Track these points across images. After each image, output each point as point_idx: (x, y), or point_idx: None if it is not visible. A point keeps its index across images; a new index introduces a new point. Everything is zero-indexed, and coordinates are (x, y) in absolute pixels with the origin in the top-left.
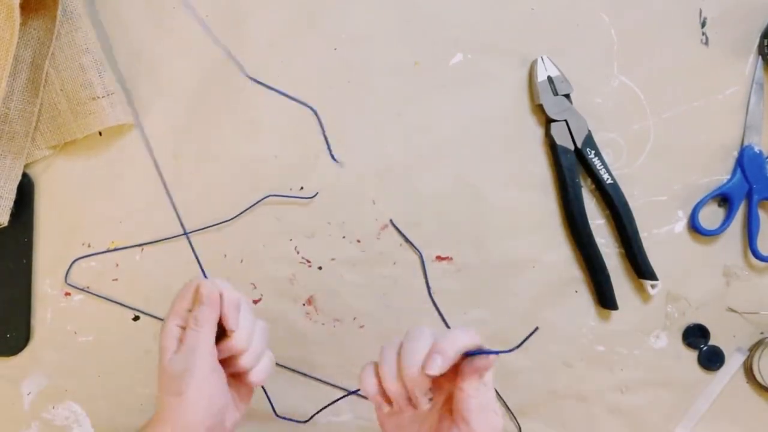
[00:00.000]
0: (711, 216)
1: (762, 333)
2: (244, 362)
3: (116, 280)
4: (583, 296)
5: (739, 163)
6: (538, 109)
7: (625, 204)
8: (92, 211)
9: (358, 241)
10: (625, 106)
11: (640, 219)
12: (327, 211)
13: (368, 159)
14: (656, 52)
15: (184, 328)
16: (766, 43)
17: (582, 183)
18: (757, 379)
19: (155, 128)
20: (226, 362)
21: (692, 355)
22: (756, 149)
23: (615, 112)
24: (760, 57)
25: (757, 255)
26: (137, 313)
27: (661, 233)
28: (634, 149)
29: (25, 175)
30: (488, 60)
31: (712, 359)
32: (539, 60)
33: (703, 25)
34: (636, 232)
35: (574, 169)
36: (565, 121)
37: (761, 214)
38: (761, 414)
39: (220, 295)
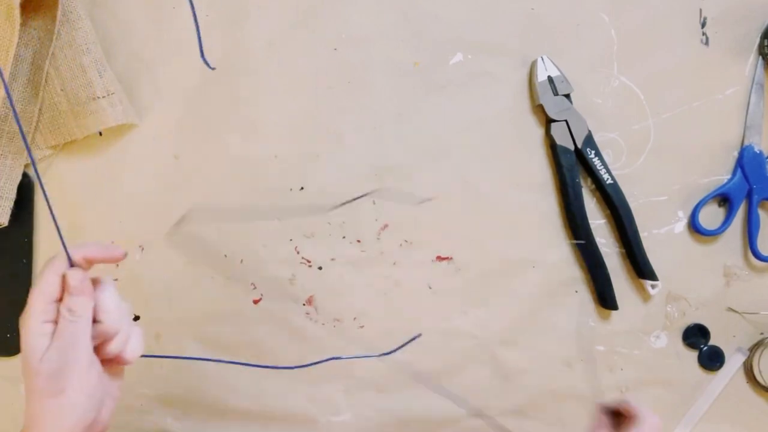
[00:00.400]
0: (711, 216)
1: (762, 333)
2: (115, 345)
3: (116, 280)
4: (583, 296)
5: (740, 163)
6: (538, 109)
7: (625, 204)
8: (92, 211)
9: (358, 241)
10: (625, 106)
11: (640, 219)
12: (327, 211)
13: (368, 159)
14: (656, 52)
15: (52, 323)
16: (766, 43)
17: (582, 183)
18: (757, 379)
19: (155, 128)
20: (95, 349)
21: (692, 355)
22: (756, 149)
23: (615, 112)
24: (760, 57)
25: (757, 255)
26: (137, 313)
27: (661, 233)
28: (634, 149)
29: (25, 175)
30: (488, 60)
31: (712, 359)
32: (539, 60)
33: (703, 25)
34: (636, 232)
35: (574, 169)
36: (565, 121)
37: (761, 214)
38: (761, 414)
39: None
